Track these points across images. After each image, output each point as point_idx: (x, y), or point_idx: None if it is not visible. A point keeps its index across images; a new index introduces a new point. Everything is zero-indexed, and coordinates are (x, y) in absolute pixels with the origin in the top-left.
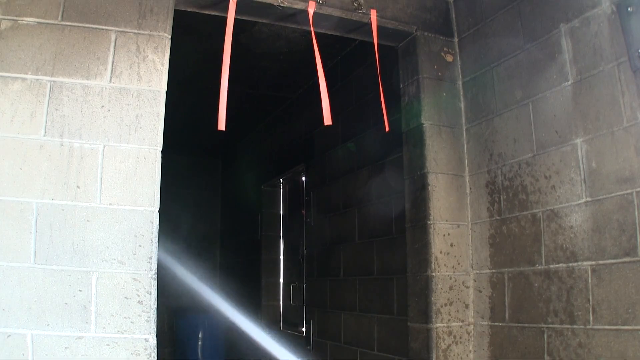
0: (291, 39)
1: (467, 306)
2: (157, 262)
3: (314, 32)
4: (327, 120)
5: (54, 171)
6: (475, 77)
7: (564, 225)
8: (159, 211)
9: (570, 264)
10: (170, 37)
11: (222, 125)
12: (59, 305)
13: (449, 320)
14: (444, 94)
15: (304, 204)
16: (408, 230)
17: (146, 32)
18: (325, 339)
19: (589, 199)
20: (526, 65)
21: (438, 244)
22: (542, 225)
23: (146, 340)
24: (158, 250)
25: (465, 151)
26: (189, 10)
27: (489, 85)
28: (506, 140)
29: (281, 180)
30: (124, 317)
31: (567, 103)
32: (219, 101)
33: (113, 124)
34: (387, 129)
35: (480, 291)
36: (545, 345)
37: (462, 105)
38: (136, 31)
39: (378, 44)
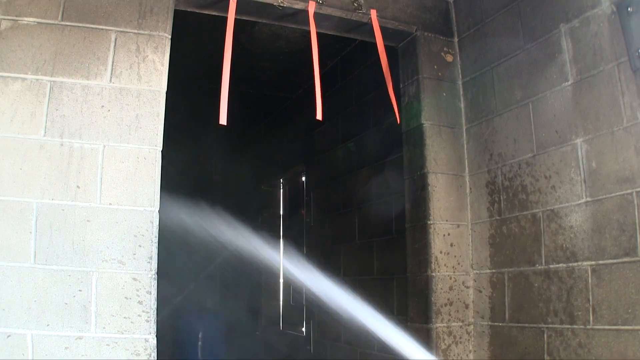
0: (291, 39)
1: (467, 306)
2: (157, 261)
3: (316, 31)
4: (319, 114)
5: (54, 171)
6: (475, 77)
7: (564, 225)
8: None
9: (570, 264)
10: (170, 37)
11: (223, 120)
12: (59, 305)
13: (449, 320)
14: (444, 94)
15: (304, 204)
16: (408, 230)
17: (146, 32)
18: (325, 339)
19: (589, 199)
20: (526, 65)
21: (438, 244)
22: (542, 225)
23: (146, 340)
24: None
25: (465, 151)
26: (189, 10)
27: (488, 85)
28: (506, 140)
29: (281, 180)
30: (124, 317)
31: (567, 103)
32: (219, 97)
33: (113, 124)
34: (398, 121)
35: (480, 291)
36: (545, 346)
37: (462, 105)
38: (136, 31)
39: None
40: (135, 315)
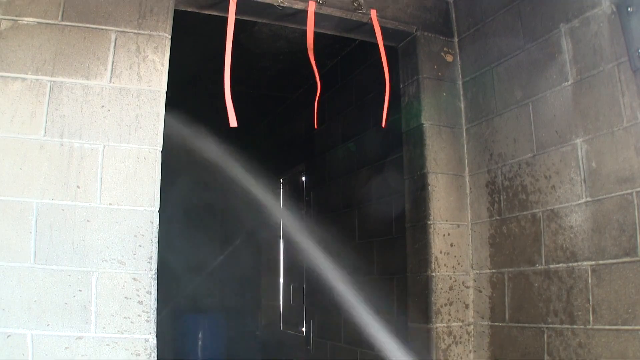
0: (291, 39)
1: (467, 306)
2: (157, 262)
3: (314, 31)
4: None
5: (54, 171)
6: (475, 77)
7: (564, 225)
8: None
9: (570, 264)
10: (170, 37)
11: (233, 122)
12: (59, 305)
13: (449, 320)
14: (444, 94)
15: (304, 204)
16: (408, 230)
17: (146, 32)
18: (325, 339)
19: (589, 199)
20: (526, 65)
21: (438, 244)
22: (542, 225)
23: (146, 340)
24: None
25: (465, 151)
26: (189, 10)
27: (489, 85)
28: (506, 140)
29: (281, 180)
30: (124, 317)
31: (567, 103)
32: (224, 101)
33: (113, 124)
34: (383, 124)
35: (480, 291)
36: (545, 345)
37: (462, 105)
38: (136, 31)
39: (377, 44)
40: (135, 315)
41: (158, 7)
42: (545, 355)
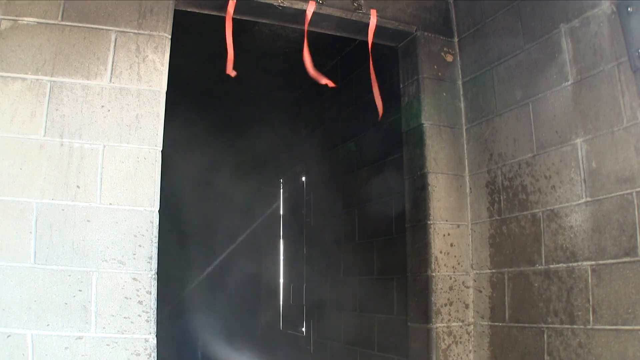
0: (291, 39)
1: (467, 306)
2: (157, 261)
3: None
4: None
5: (54, 171)
6: (475, 77)
7: (564, 225)
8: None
9: (570, 264)
10: (170, 37)
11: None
12: (59, 305)
13: (449, 320)
14: (444, 94)
15: (304, 204)
16: (408, 230)
17: (146, 32)
18: (325, 339)
19: (589, 199)
20: (526, 65)
21: (438, 244)
22: (542, 225)
23: (146, 340)
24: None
25: (465, 151)
26: (189, 10)
27: (489, 85)
28: (506, 140)
29: (281, 180)
30: (124, 317)
31: (567, 103)
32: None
33: (113, 124)
34: (380, 115)
35: (480, 291)
36: (545, 345)
37: (462, 105)
38: (136, 31)
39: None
40: (135, 315)
41: (158, 7)
42: (545, 356)
